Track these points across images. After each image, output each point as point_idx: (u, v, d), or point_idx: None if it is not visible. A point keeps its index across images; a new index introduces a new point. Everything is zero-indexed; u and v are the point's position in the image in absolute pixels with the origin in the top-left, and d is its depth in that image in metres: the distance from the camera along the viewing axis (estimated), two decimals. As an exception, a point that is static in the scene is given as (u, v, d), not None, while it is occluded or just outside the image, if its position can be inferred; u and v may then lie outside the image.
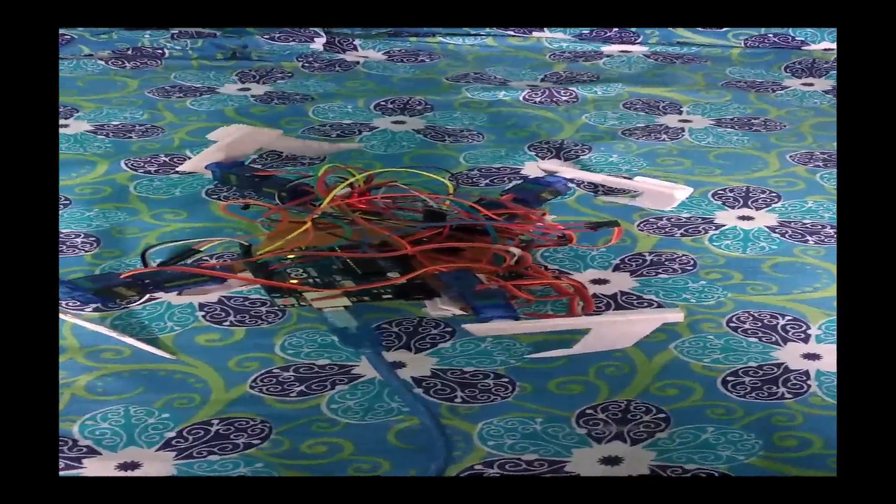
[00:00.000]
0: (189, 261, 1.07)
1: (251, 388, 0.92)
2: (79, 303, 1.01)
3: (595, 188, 1.22)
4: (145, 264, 1.07)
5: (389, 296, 1.01)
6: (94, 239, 1.13)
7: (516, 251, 1.05)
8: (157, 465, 0.84)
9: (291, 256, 1.06)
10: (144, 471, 0.84)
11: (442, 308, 1.00)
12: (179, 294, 1.02)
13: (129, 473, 0.84)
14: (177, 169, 1.26)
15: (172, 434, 0.88)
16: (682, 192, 1.20)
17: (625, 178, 1.23)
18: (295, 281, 1.03)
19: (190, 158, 1.28)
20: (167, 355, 0.96)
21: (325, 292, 1.01)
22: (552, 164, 1.26)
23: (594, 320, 0.98)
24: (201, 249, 1.09)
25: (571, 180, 1.22)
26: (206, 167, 1.25)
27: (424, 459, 0.84)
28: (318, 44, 1.60)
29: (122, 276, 1.04)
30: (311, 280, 1.03)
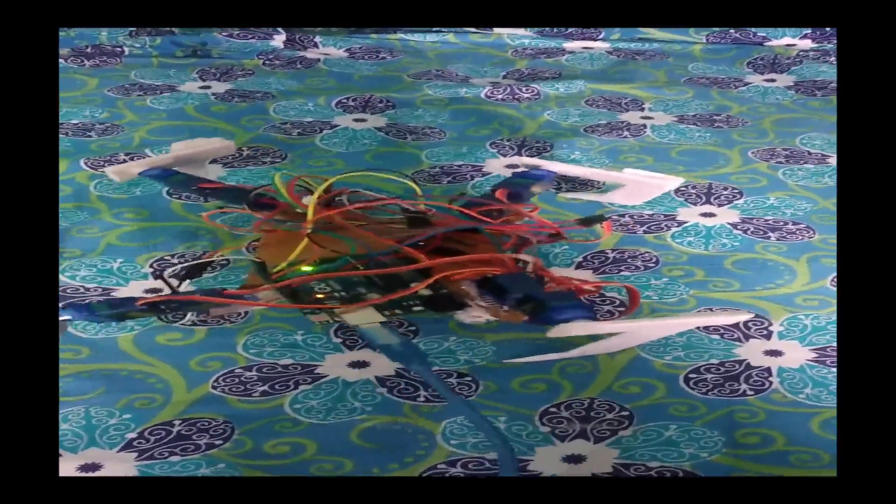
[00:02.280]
0: (204, 274, 1.05)
1: (213, 388, 0.92)
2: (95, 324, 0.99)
3: (558, 185, 1.22)
4: (168, 284, 1.03)
5: (420, 308, 1.00)
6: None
7: (529, 258, 1.04)
8: (119, 466, 0.84)
9: (308, 269, 1.03)
10: (105, 472, 0.83)
11: (474, 316, 0.99)
12: (200, 317, 0.99)
13: (91, 475, 0.83)
14: (105, 171, 1.23)
15: (134, 435, 0.87)
16: (673, 183, 1.20)
17: (613, 170, 1.23)
18: (321, 295, 1.01)
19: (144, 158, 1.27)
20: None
21: (357, 307, 0.98)
22: (535, 159, 1.25)
23: (644, 325, 0.97)
24: (213, 259, 1.07)
25: (557, 174, 1.22)
26: (140, 174, 1.23)
27: (389, 459, 0.84)
28: (279, 41, 1.60)
29: (139, 304, 1.00)
30: (336, 294, 1.01)
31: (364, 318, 0.98)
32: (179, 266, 1.06)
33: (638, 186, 1.20)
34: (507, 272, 1.01)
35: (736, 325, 0.99)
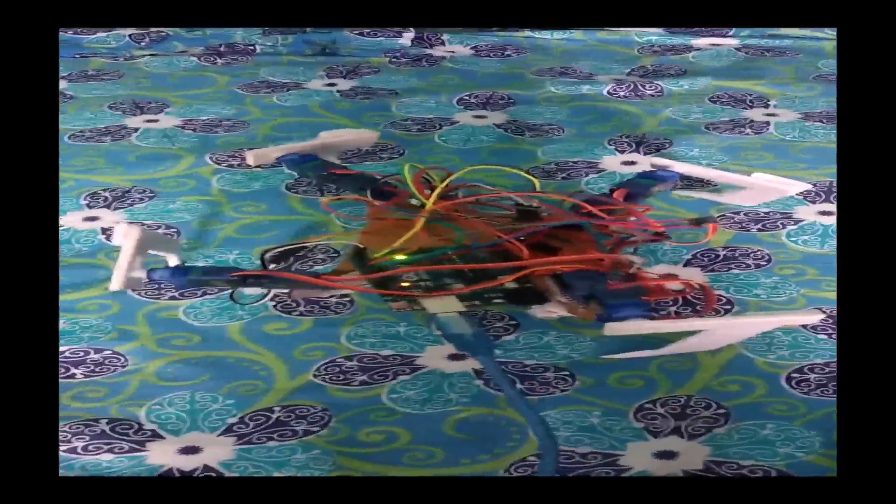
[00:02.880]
0: (297, 258, 1.08)
1: (314, 376, 0.94)
2: (166, 286, 1.03)
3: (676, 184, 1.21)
4: (264, 266, 1.07)
5: (501, 300, 1.01)
6: (175, 230, 1.16)
7: (637, 260, 1.04)
8: (217, 449, 0.86)
9: (403, 258, 1.05)
10: (204, 455, 0.86)
11: (549, 311, 1.00)
12: (290, 295, 1.03)
13: (191, 457, 0.86)
14: (244, 157, 1.28)
15: (235, 420, 0.90)
16: (797, 187, 1.17)
17: (744, 173, 1.21)
18: (406, 284, 1.02)
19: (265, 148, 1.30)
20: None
21: (438, 296, 1.00)
22: (663, 160, 1.24)
23: (720, 323, 0.96)
24: (309, 244, 1.10)
25: (683, 175, 1.21)
26: (278, 160, 1.27)
27: (480, 451, 0.85)
28: (406, 39, 1.62)
29: (232, 275, 1.04)
30: (422, 283, 1.03)
31: (445, 307, 0.99)
32: (276, 249, 1.08)
33: (761, 190, 1.18)
34: (594, 270, 1.01)
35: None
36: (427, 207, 1.10)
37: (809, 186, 1.18)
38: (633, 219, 1.11)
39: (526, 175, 1.20)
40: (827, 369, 0.92)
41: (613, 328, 0.95)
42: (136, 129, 1.37)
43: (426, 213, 1.09)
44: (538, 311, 1.00)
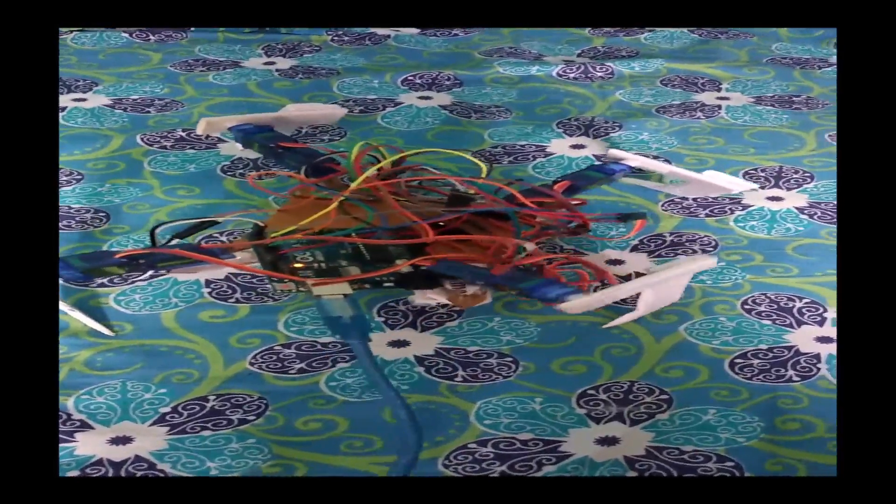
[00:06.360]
0: (199, 235, 1.12)
1: (251, 364, 0.97)
2: (64, 280, 1.06)
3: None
4: (154, 242, 1.11)
5: (391, 283, 1.05)
6: (104, 214, 1.19)
7: (530, 246, 1.08)
8: (149, 439, 0.89)
9: (301, 237, 1.09)
10: (136, 445, 0.89)
11: (429, 297, 1.04)
12: (168, 272, 1.07)
13: (121, 448, 0.89)
14: (195, 127, 1.32)
15: (167, 409, 0.93)
16: (742, 187, 1.21)
17: (694, 171, 1.24)
18: (300, 265, 1.07)
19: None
20: (106, 331, 1.01)
21: (326, 281, 1.04)
22: (619, 152, 1.28)
23: (640, 283, 1.01)
24: (218, 221, 1.14)
25: (636, 168, 1.24)
26: (230, 128, 1.30)
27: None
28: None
29: (117, 256, 1.08)
30: (315, 265, 1.07)
31: (331, 289, 1.03)
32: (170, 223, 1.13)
33: (706, 186, 1.21)
34: (482, 258, 1.05)
35: (789, 312, 1.02)
36: (351, 188, 1.14)
37: (756, 187, 1.22)
38: (562, 210, 1.14)
39: (474, 160, 1.24)
40: (770, 355, 0.97)
41: (572, 306, 0.99)
42: (63, 109, 1.39)
43: (347, 194, 1.13)
44: (418, 297, 1.04)
